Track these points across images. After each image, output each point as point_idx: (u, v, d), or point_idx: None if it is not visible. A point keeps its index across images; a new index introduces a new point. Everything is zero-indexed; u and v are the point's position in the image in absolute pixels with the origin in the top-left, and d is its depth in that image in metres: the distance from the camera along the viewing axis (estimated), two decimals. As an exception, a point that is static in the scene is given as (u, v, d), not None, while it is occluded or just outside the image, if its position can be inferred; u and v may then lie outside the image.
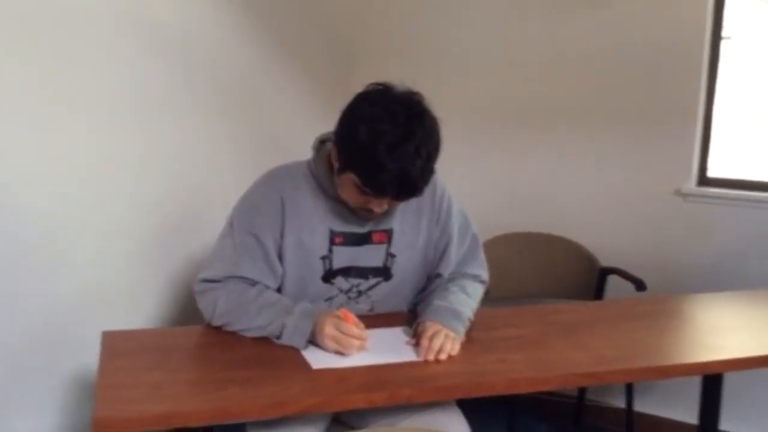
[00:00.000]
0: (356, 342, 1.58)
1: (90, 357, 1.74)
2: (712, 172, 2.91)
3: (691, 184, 2.88)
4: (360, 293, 1.80)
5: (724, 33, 2.83)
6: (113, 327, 1.73)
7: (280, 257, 1.74)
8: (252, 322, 1.65)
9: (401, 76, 1.70)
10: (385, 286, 1.82)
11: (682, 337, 1.90)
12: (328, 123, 1.73)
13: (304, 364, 1.53)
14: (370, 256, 1.78)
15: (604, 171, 3.00)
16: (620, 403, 2.86)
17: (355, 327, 1.60)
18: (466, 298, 1.80)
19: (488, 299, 1.98)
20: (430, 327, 1.64)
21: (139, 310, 2.50)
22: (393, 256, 1.80)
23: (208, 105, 2.70)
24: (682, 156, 2.87)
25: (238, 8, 2.79)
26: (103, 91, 2.27)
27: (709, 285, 2.71)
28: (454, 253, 1.89)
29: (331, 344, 1.58)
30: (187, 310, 2.57)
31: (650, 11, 2.85)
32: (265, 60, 2.97)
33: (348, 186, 1.66)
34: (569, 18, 3.00)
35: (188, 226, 2.64)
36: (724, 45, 2.84)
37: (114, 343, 1.62)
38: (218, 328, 1.70)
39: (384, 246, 1.79)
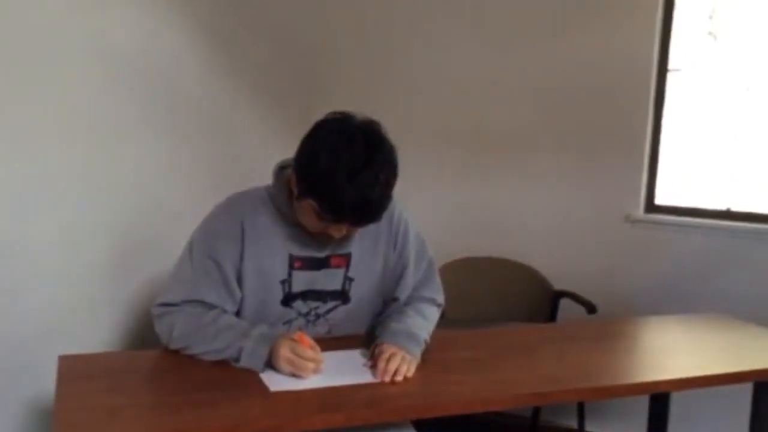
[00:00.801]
0: (311, 365, 1.61)
1: (48, 382, 1.73)
2: (660, 200, 3.01)
3: (639, 210, 2.98)
4: (318, 316, 1.83)
5: (673, 65, 2.96)
6: (71, 351, 1.72)
7: (239, 281, 1.76)
8: (209, 346, 1.66)
9: (362, 104, 1.75)
10: (342, 310, 1.85)
11: (630, 358, 1.97)
12: (288, 149, 1.77)
13: (262, 387, 1.55)
14: (328, 280, 1.82)
15: (557, 198, 3.09)
16: (573, 423, 2.92)
17: (310, 350, 1.62)
18: (423, 321, 1.84)
19: (445, 323, 2.01)
20: (387, 349, 1.67)
21: (97, 334, 2.48)
22: (351, 279, 1.84)
23: (169, 128, 2.71)
24: (631, 183, 2.98)
25: (201, 33, 2.82)
26: (62, 113, 2.27)
27: (656, 308, 2.80)
28: (411, 278, 1.93)
29: (286, 367, 1.60)
30: (145, 334, 2.56)
31: (600, 43, 2.97)
32: (227, 86, 2.99)
33: (307, 211, 1.69)
34: (522, 49, 3.10)
35: (147, 250, 2.64)
36: (672, 77, 2.96)
37: (71, 367, 1.62)
38: (176, 352, 1.70)
39: (342, 270, 1.83)
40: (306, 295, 1.80)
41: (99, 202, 2.44)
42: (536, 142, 3.12)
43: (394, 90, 3.34)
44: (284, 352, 1.61)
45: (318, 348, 1.64)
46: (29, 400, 2.23)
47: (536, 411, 3.08)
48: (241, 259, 1.74)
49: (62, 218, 2.31)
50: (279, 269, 1.77)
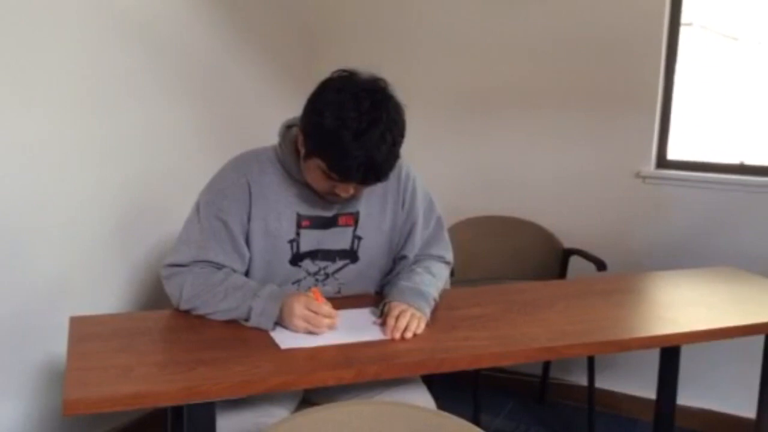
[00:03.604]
0: (327, 321, 1.61)
1: (59, 345, 1.75)
2: (672, 155, 2.98)
3: (650, 166, 2.95)
4: (327, 276, 1.83)
5: (685, 20, 2.90)
6: (81, 314, 1.73)
7: (247, 241, 1.75)
8: (219, 306, 1.67)
9: (367, 62, 1.72)
10: (352, 269, 1.85)
11: (640, 312, 1.96)
12: (294, 108, 1.75)
13: (273, 345, 1.56)
14: (336, 239, 1.81)
15: (567, 155, 3.06)
16: (582, 380, 2.93)
17: (326, 305, 1.63)
18: (431, 279, 1.84)
19: (455, 281, 2.02)
20: (396, 307, 1.68)
21: (107, 296, 2.50)
22: (359, 238, 1.83)
23: (173, 91, 2.70)
24: (642, 139, 2.94)
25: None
26: (65, 77, 2.26)
27: (667, 264, 2.78)
28: (420, 236, 1.93)
29: (301, 324, 1.60)
30: (154, 296, 2.58)
31: (610, -3, 2.92)
32: (230, 45, 2.96)
33: (314, 171, 1.68)
34: (531, 3, 3.05)
35: (154, 212, 2.64)
36: (685, 31, 2.90)
37: (82, 328, 1.63)
38: (186, 312, 1.71)
39: (350, 229, 1.82)
40: (314, 254, 1.80)
41: (105, 165, 2.43)
42: (545, 98, 3.08)
43: (400, 48, 3.30)
44: (299, 309, 1.61)
45: (330, 305, 1.65)
46: (40, 362, 2.26)
47: (546, 368, 3.10)
48: (249, 218, 1.74)
49: (68, 182, 2.31)
50: (287, 228, 1.76)
